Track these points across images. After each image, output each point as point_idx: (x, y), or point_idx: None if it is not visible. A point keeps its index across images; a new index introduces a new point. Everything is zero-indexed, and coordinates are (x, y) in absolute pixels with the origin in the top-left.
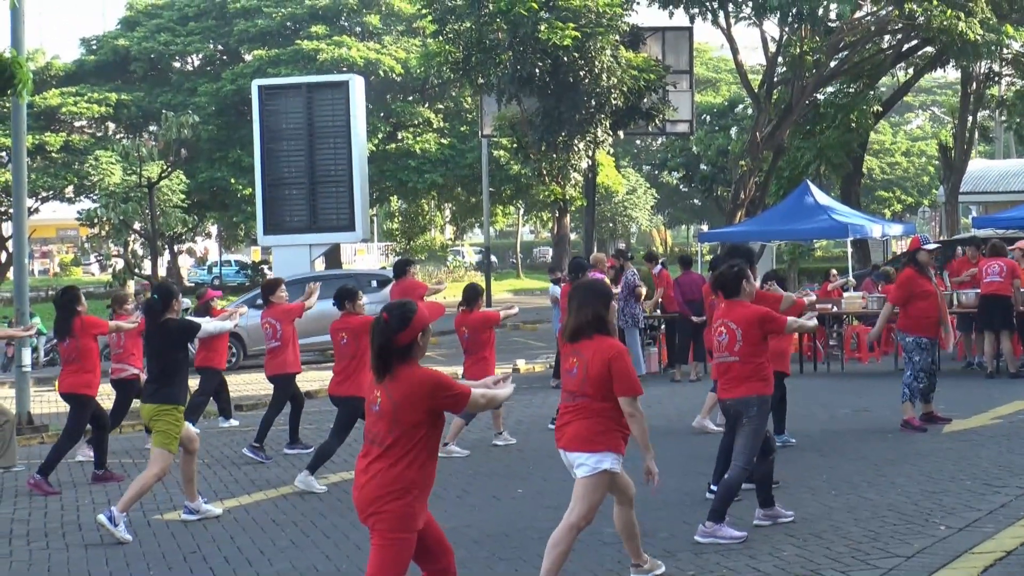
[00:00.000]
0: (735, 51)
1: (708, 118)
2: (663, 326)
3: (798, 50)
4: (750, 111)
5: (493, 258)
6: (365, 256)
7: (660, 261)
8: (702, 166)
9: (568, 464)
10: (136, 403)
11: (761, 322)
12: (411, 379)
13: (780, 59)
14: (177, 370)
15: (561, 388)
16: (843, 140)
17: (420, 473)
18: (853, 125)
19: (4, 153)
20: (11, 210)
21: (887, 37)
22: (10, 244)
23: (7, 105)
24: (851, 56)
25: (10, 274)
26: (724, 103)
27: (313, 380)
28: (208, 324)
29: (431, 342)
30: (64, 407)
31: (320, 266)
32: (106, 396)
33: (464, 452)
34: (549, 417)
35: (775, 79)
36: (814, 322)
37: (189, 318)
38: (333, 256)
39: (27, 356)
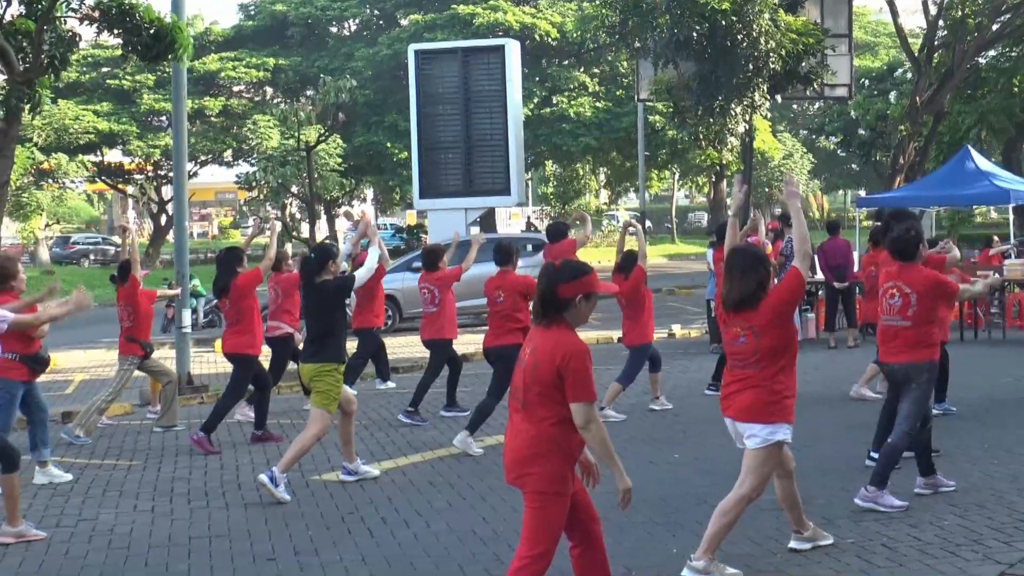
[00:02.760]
0: (895, 14)
1: (867, 82)
2: (820, 292)
3: (960, 13)
4: (910, 75)
5: (648, 223)
6: (520, 220)
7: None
8: (860, 131)
9: (735, 433)
10: (293, 365)
11: (937, 287)
12: (557, 339)
13: (941, 22)
14: (335, 329)
15: (727, 355)
16: (1005, 105)
17: (564, 432)
18: (1016, 89)
19: (165, 117)
20: (172, 173)
21: None
22: (171, 207)
23: (168, 70)
24: (1014, 19)
25: (170, 236)
26: (883, 67)
27: (468, 343)
28: (359, 272)
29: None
30: (223, 368)
31: (475, 230)
32: (263, 357)
33: (621, 416)
34: (705, 383)
35: (936, 43)
36: (979, 286)
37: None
38: (488, 220)
39: (187, 317)
